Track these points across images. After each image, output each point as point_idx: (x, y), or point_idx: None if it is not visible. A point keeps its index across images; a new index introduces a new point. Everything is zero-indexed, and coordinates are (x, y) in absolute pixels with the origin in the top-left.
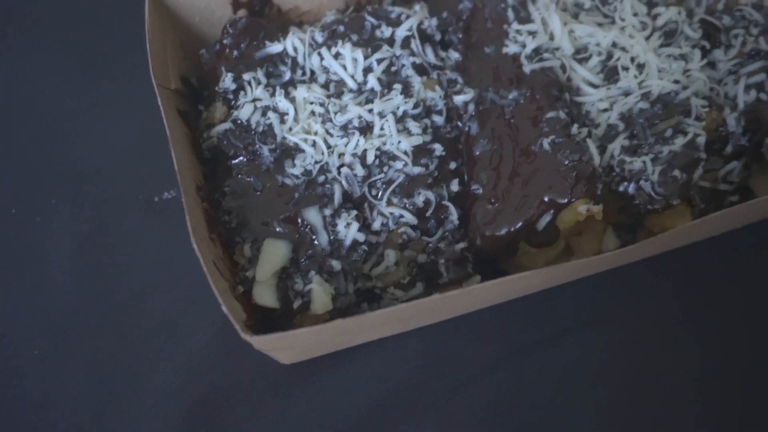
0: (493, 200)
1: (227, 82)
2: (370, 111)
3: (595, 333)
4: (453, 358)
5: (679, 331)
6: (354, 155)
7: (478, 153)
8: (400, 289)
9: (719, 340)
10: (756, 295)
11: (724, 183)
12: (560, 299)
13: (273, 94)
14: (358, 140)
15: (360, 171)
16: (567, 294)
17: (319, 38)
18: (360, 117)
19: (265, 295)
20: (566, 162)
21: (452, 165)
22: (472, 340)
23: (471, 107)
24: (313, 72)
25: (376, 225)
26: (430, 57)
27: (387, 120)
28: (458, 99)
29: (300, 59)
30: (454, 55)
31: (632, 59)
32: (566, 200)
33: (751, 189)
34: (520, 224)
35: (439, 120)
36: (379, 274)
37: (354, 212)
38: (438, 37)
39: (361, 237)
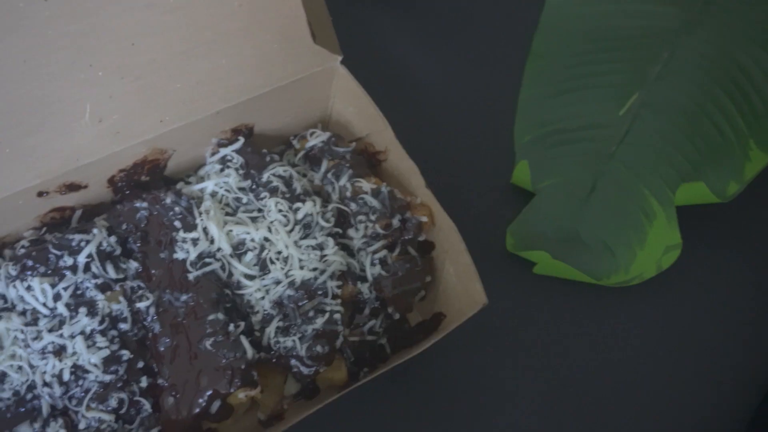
0: (174, 393)
1: None
2: (62, 335)
3: None
4: None
5: None
6: (52, 376)
7: (162, 349)
8: None
9: None
10: None
11: (371, 334)
12: None
13: None
14: (54, 363)
15: (58, 389)
16: None
17: (13, 272)
18: (53, 342)
19: None
20: (224, 360)
21: (140, 364)
22: None
23: (152, 310)
24: (13, 300)
25: (82, 425)
26: (111, 273)
27: (76, 341)
28: (140, 305)
29: (1, 289)
30: (134, 265)
31: (279, 252)
32: (226, 391)
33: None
34: (196, 412)
35: (125, 326)
36: None
37: (61, 420)
38: (119, 251)
39: None
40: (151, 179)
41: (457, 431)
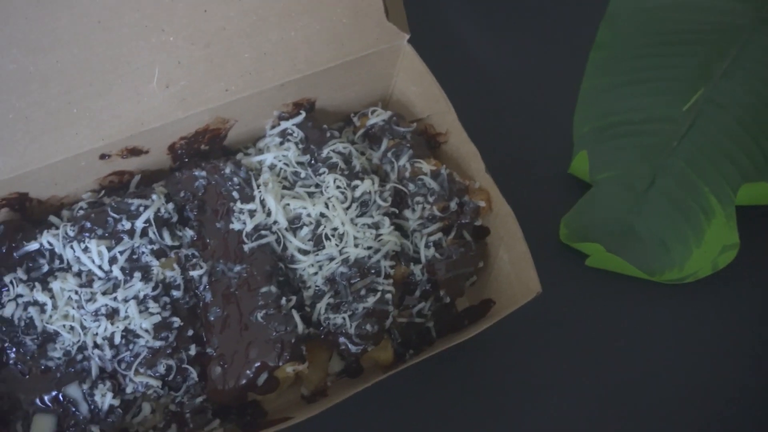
0: (222, 363)
1: None
2: (115, 299)
3: None
4: None
5: None
6: (104, 338)
7: (212, 319)
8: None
9: None
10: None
11: (419, 317)
12: None
13: (33, 288)
14: (106, 326)
15: (108, 352)
16: None
17: (71, 233)
18: (106, 305)
19: None
20: (274, 333)
21: (190, 332)
22: None
23: (205, 279)
24: (69, 260)
25: (129, 389)
26: (167, 240)
27: (129, 305)
28: (194, 273)
29: (57, 249)
30: (189, 233)
31: (334, 229)
32: (275, 364)
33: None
34: (243, 383)
35: (177, 293)
36: (139, 422)
37: (108, 383)
38: (175, 218)
39: (116, 402)
40: (210, 148)
41: (500, 420)
